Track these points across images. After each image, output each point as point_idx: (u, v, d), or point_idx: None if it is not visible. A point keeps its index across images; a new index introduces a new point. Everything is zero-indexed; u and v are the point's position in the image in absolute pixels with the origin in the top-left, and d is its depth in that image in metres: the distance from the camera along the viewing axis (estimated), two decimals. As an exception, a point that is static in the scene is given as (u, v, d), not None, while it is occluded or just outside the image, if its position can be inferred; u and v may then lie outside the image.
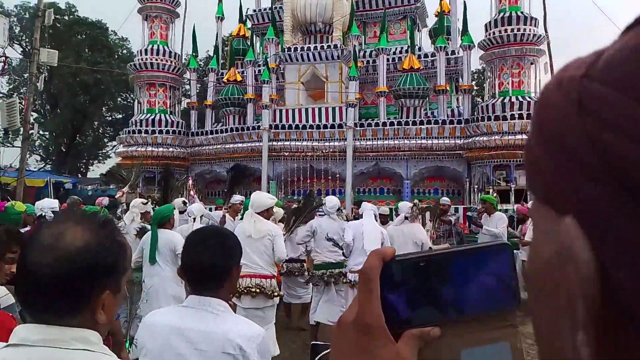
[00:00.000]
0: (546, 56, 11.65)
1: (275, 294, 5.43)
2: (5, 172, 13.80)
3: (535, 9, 11.79)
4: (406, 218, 6.65)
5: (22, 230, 3.46)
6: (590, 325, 0.24)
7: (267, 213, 5.69)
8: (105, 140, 32.68)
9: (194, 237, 1.84)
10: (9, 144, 22.39)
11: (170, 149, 12.79)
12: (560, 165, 0.27)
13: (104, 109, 30.79)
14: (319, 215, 8.49)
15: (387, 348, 0.41)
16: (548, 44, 11.77)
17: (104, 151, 33.45)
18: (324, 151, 11.58)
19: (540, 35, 11.17)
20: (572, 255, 0.25)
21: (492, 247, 0.44)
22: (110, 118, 32.16)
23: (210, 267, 1.72)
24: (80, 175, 29.73)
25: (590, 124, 0.25)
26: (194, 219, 6.62)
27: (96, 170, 36.29)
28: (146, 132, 12.78)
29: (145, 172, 12.33)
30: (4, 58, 11.49)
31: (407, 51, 12.30)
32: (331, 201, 6.86)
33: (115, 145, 20.94)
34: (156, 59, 12.98)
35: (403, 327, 0.41)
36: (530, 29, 10.81)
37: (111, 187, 26.92)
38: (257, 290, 5.40)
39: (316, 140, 11.70)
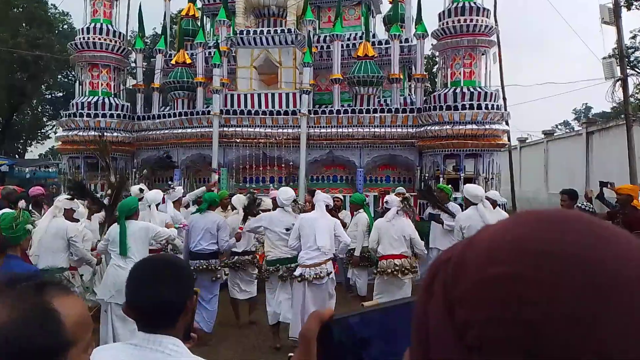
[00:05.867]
0: (496, 47, 11.82)
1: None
2: None
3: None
4: (398, 212, 6.57)
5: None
6: None
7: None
8: (45, 119, 31.09)
9: (140, 269, 1.61)
10: (-64, 123, 20.85)
11: (115, 134, 12.13)
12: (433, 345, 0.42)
13: (43, 86, 29.15)
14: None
15: None
16: (497, 35, 11.96)
17: (43, 131, 31.84)
18: (277, 138, 11.36)
19: (492, 26, 11.29)
20: None
21: (413, 303, 0.49)
22: (50, 96, 30.55)
23: (162, 304, 1.52)
24: (17, 157, 28.25)
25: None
26: (150, 206, 6.55)
27: (35, 151, 34.55)
28: (88, 115, 12.08)
29: (88, 158, 11.74)
30: None
31: (361, 38, 12.17)
32: (286, 193, 6.65)
33: (55, 125, 19.83)
34: (99, 39, 12.26)
35: None
36: (482, 20, 10.89)
37: (49, 169, 25.65)
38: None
39: (269, 126, 11.44)
